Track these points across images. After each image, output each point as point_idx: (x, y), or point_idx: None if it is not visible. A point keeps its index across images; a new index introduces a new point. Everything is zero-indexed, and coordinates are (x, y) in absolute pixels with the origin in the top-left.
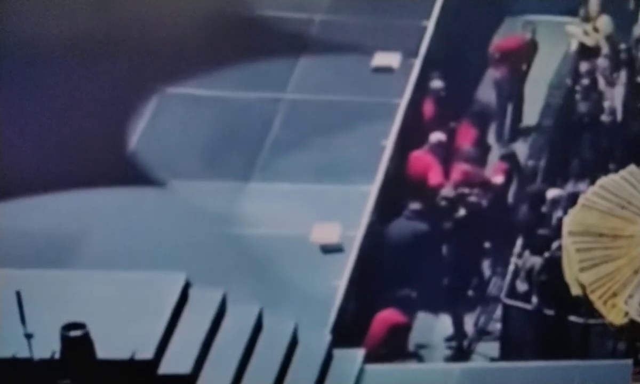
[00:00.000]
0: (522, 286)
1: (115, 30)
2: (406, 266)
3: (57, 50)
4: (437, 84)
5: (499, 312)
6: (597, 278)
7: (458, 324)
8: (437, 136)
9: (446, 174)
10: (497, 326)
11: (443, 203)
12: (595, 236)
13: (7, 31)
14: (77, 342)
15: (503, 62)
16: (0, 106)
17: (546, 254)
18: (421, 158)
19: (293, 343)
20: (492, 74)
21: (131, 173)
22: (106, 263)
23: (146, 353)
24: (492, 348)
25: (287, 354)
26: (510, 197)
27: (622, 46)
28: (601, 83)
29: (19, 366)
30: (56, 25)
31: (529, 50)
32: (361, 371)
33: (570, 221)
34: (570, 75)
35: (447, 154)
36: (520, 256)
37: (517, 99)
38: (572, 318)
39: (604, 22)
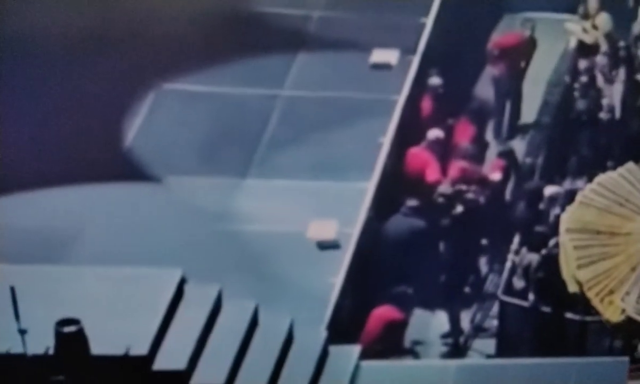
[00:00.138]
0: (519, 283)
1: (111, 26)
2: (403, 262)
3: (54, 47)
4: (435, 80)
5: (495, 309)
6: (594, 275)
7: (454, 321)
8: (434, 133)
9: (444, 171)
10: (493, 323)
11: (440, 200)
12: (593, 233)
13: (3, 27)
14: (71, 338)
15: (502, 59)
16: None
17: (543, 252)
18: (419, 155)
19: (289, 340)
20: (491, 71)
21: (127, 169)
22: (101, 259)
23: (141, 349)
24: (488, 344)
25: (282, 350)
26: (507, 195)
27: (621, 44)
28: (600, 81)
29: (12, 362)
30: (52, 21)
31: (527, 47)
32: (357, 368)
33: (568, 218)
34: (569, 72)
35: (444, 151)
36: (517, 253)
37: (515, 96)
38: (569, 315)
39: (603, 20)
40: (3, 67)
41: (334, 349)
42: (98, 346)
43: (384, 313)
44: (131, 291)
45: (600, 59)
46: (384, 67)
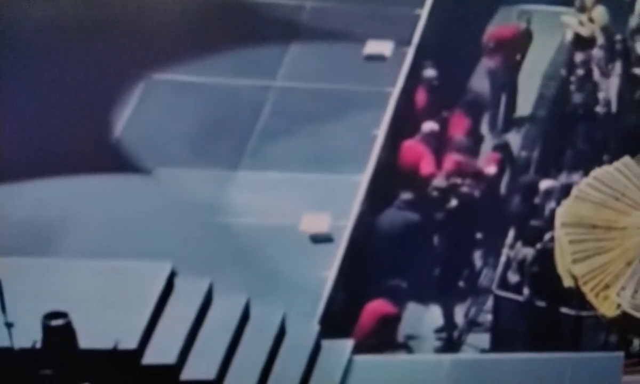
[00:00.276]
0: (513, 278)
1: (101, 15)
2: (397, 256)
3: (42, 35)
4: (430, 73)
5: (490, 303)
6: (589, 270)
7: (448, 315)
8: (429, 126)
9: (438, 164)
10: (487, 318)
11: (435, 193)
12: (589, 227)
13: None
14: (59, 331)
15: (497, 52)
16: None
17: (538, 246)
18: (413, 148)
19: (281, 334)
20: (486, 63)
21: (116, 161)
22: (90, 251)
23: (130, 342)
24: (482, 339)
25: (274, 345)
26: (502, 188)
27: (618, 37)
28: (596, 74)
29: None
30: (40, 9)
31: (523, 40)
32: (350, 362)
33: (564, 212)
34: (565, 65)
35: (439, 144)
36: (512, 247)
37: (510, 89)
38: (564, 310)
39: (600, 13)
40: None
41: (326, 344)
42: (86, 340)
43: (377, 307)
44: (120, 284)
45: (597, 52)
46: (378, 58)
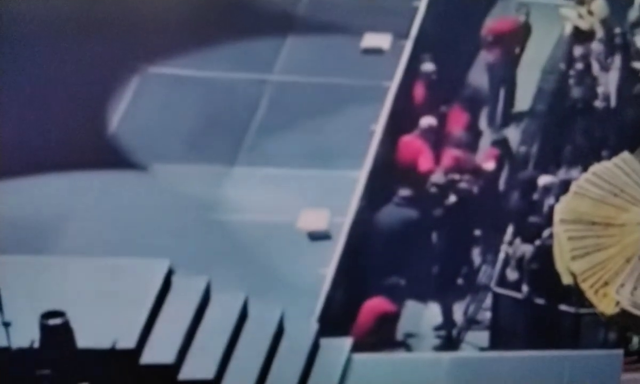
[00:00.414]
0: (512, 275)
1: (95, 8)
2: (395, 253)
3: (36, 29)
4: (428, 66)
5: (488, 301)
6: (588, 267)
7: (447, 313)
8: (427, 121)
9: (437, 159)
10: (486, 315)
11: (433, 190)
12: (588, 224)
13: None
14: (56, 330)
15: (496, 45)
16: None
17: (537, 242)
18: (411, 143)
19: (279, 332)
20: (485, 57)
21: (112, 156)
22: (86, 249)
23: (128, 342)
24: (481, 337)
25: (272, 343)
26: (501, 184)
27: (617, 30)
28: (595, 68)
29: None
30: (35, 4)
31: (522, 33)
32: (348, 361)
33: (562, 208)
34: (564, 59)
35: (437, 139)
36: (511, 244)
37: (509, 83)
38: (563, 307)
39: (599, 6)
40: None
41: (325, 342)
42: (84, 339)
43: (376, 304)
44: (117, 282)
45: (596, 46)
46: (375, 52)
